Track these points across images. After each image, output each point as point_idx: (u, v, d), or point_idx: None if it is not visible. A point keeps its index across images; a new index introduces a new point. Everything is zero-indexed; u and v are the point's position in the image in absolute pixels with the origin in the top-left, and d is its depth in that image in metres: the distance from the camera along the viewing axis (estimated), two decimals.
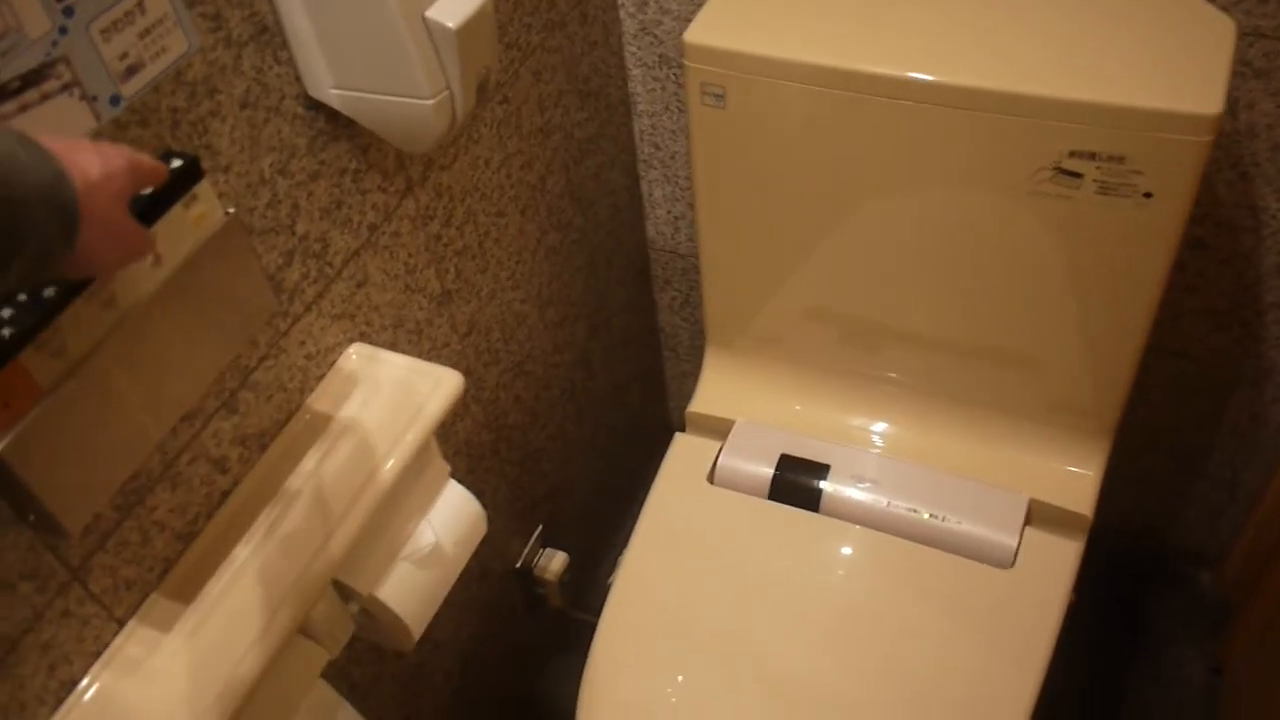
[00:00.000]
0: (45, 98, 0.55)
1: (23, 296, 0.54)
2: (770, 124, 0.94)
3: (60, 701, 0.67)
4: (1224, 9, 0.90)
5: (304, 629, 0.79)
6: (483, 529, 0.93)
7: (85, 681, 0.69)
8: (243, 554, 0.75)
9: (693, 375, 1.60)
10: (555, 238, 1.17)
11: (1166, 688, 1.38)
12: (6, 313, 0.53)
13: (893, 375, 1.11)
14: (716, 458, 1.12)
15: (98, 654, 0.69)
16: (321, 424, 0.82)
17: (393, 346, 0.92)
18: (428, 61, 0.71)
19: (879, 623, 0.99)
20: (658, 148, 1.29)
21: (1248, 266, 1.10)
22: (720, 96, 0.94)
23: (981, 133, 0.87)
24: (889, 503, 1.05)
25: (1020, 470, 1.06)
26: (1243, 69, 0.95)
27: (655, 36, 1.17)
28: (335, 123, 0.78)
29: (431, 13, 0.70)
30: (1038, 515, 1.04)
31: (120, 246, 0.52)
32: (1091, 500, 1.04)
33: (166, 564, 0.73)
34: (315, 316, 0.82)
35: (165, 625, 0.71)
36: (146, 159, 0.54)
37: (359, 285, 0.86)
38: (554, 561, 1.33)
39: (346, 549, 0.76)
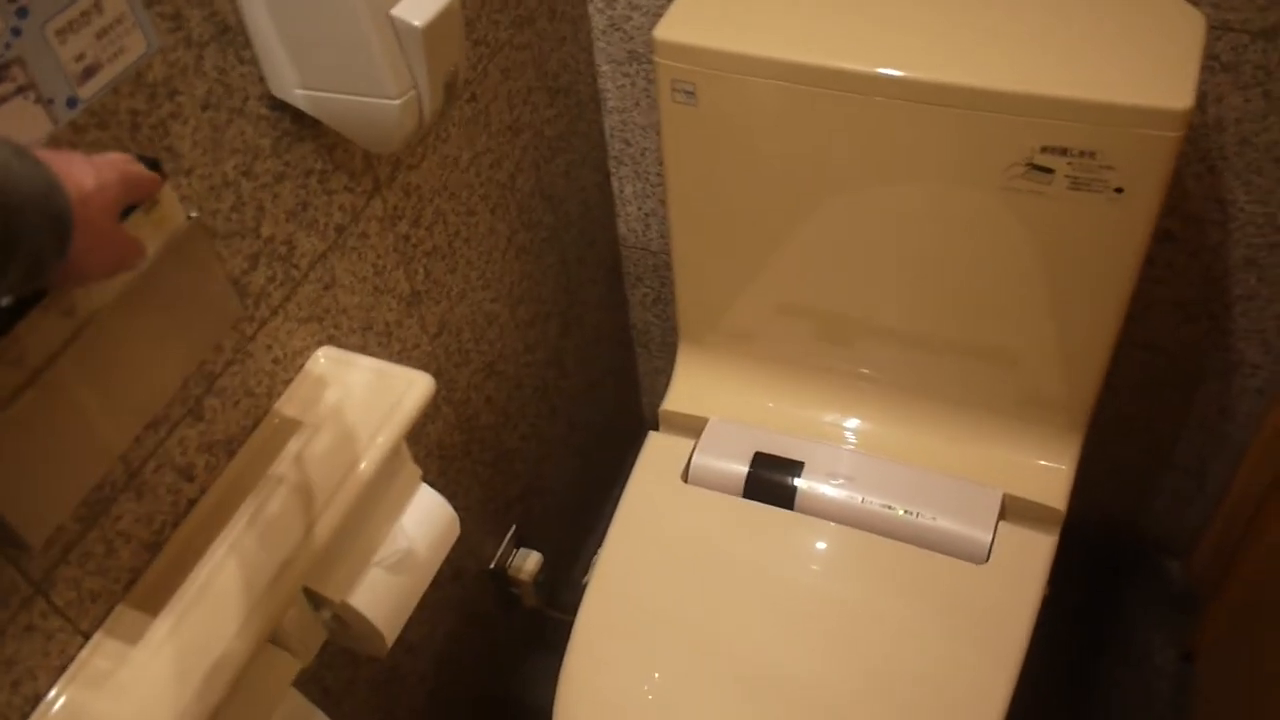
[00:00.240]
0: (0, 101, 0.54)
1: None
2: (741, 120, 0.94)
3: (25, 717, 0.66)
4: (1192, 3, 0.90)
5: (275, 637, 0.78)
6: (455, 532, 0.92)
7: (51, 695, 0.67)
8: (211, 563, 0.73)
9: (665, 372, 1.60)
10: (525, 236, 1.16)
11: (1138, 674, 1.40)
12: None
13: (866, 371, 1.11)
14: (690, 456, 1.11)
15: (63, 668, 0.68)
16: (290, 429, 0.81)
17: (362, 349, 0.91)
18: (394, 61, 0.70)
19: (854, 619, 0.99)
20: (628, 144, 1.28)
21: (1216, 259, 1.10)
22: (691, 93, 0.94)
23: (952, 129, 0.87)
24: (863, 499, 1.05)
25: (994, 465, 1.07)
26: (1211, 63, 0.96)
27: (624, 32, 1.16)
28: (300, 123, 0.77)
29: (397, 11, 0.69)
30: (1012, 510, 1.04)
31: (112, 256, 0.53)
32: (1065, 494, 1.04)
33: (133, 575, 0.72)
34: (282, 320, 0.80)
35: (133, 637, 0.70)
36: (139, 170, 0.55)
37: (326, 288, 0.85)
38: (528, 561, 1.33)
39: (318, 556, 0.74)
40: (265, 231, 0.76)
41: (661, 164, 1.01)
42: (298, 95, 0.73)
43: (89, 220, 0.49)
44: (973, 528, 1.02)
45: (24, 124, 0.55)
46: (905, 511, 1.04)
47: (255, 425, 0.80)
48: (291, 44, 0.70)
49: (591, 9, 1.16)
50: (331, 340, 0.87)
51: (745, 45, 0.90)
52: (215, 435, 0.76)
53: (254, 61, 0.71)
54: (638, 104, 1.23)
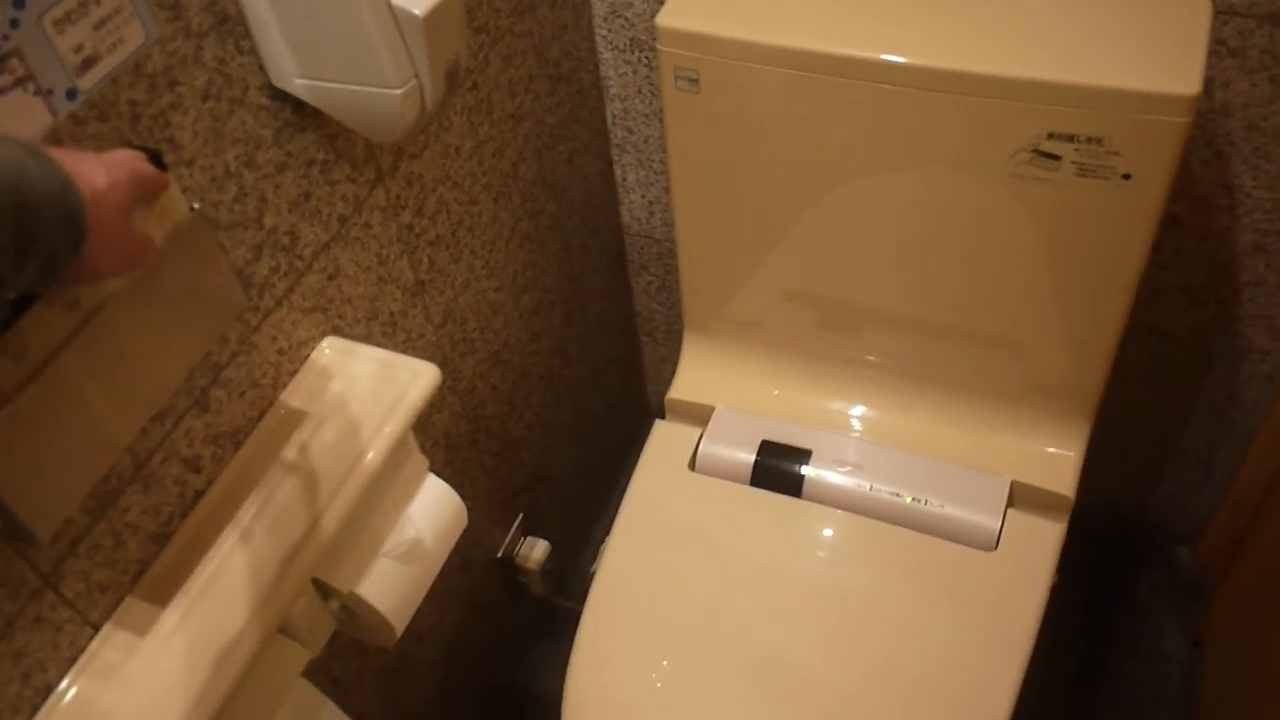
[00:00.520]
0: None
1: None
2: (745, 108, 0.93)
3: (36, 709, 0.66)
4: None
5: (284, 628, 0.78)
6: (463, 522, 0.92)
7: (62, 687, 0.67)
8: (219, 554, 0.73)
9: (670, 360, 1.59)
10: (529, 225, 1.15)
11: (1147, 661, 1.39)
12: None
13: (873, 359, 1.10)
14: (697, 445, 1.11)
15: (73, 659, 0.68)
16: (296, 420, 0.81)
17: (367, 339, 0.91)
18: (394, 50, 0.69)
19: (863, 607, 0.99)
20: (631, 132, 1.28)
21: (1223, 245, 1.10)
22: (694, 80, 0.93)
23: (958, 116, 0.86)
24: (871, 487, 1.05)
25: (1002, 452, 1.07)
26: (1218, 47, 0.95)
27: (626, 19, 1.16)
28: (302, 113, 0.76)
29: None
30: (1020, 497, 1.04)
31: (124, 254, 0.53)
32: (1073, 481, 1.04)
33: (141, 566, 0.72)
34: (286, 311, 0.80)
35: (142, 628, 0.70)
36: (149, 169, 0.56)
37: (330, 278, 0.84)
38: (535, 550, 1.33)
39: (325, 546, 0.75)
40: (268, 222, 0.76)
41: (664, 151, 1.00)
42: (298, 85, 0.73)
43: (102, 219, 0.49)
44: (981, 515, 1.02)
45: (23, 116, 0.55)
46: (913, 499, 1.04)
47: (261, 416, 0.80)
48: (291, 33, 0.69)
49: None
50: (336, 331, 0.86)
51: (748, 32, 0.89)
52: (221, 426, 0.76)
53: (254, 51, 0.71)
54: (640, 91, 1.23)
